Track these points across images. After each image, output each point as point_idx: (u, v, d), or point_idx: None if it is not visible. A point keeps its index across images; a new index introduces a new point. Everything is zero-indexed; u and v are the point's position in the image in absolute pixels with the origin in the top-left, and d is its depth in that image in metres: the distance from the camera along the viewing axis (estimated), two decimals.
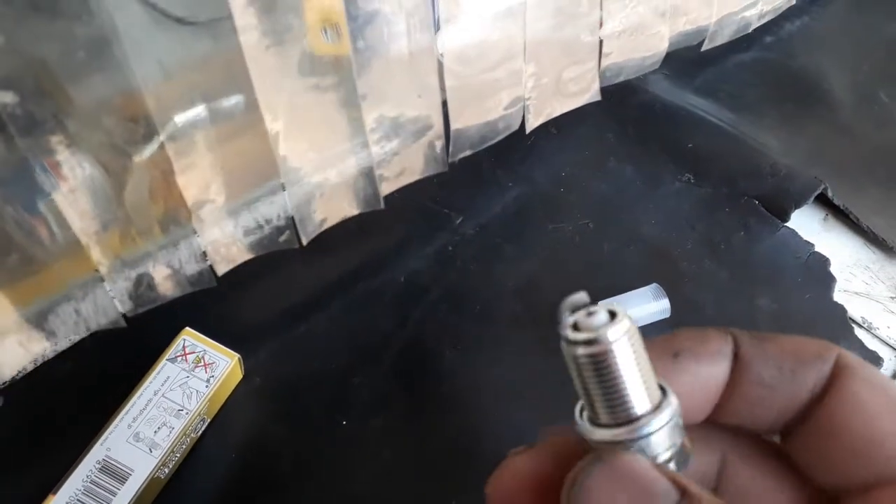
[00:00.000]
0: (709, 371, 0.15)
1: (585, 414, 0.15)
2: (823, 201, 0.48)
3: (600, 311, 0.14)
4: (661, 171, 0.47)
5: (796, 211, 0.46)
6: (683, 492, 0.13)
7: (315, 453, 0.36)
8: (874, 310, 0.43)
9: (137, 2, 0.33)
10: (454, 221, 0.46)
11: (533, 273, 0.44)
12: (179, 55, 0.35)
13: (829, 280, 0.43)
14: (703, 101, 0.53)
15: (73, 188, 0.35)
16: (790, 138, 0.52)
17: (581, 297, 0.14)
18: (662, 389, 0.14)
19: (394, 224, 0.46)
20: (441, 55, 0.34)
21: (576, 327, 0.14)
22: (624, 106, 0.49)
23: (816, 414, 0.15)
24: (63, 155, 0.33)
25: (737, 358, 0.15)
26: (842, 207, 0.46)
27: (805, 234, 0.46)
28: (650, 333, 0.37)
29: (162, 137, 0.35)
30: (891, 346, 0.42)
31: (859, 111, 0.55)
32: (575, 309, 0.14)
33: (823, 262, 0.44)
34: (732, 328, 0.16)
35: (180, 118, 0.36)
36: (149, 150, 0.36)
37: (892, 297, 0.44)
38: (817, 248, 0.45)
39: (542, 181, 0.48)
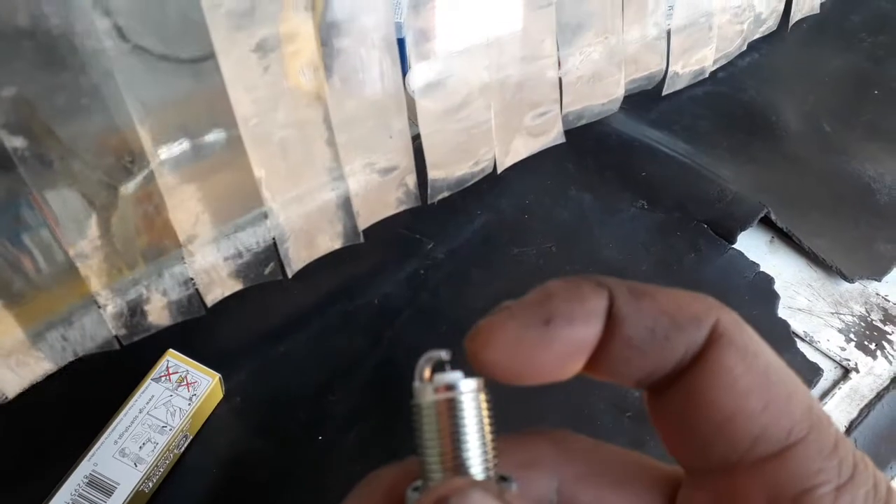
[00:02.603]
0: (582, 333, 0.14)
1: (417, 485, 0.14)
2: (770, 224, 0.51)
3: (457, 372, 0.14)
4: (618, 198, 0.51)
5: (744, 233, 0.50)
6: None
7: (293, 467, 0.38)
8: (815, 325, 0.46)
9: (124, 42, 0.36)
10: (426, 247, 0.49)
11: (499, 294, 0.46)
12: (164, 92, 0.38)
13: (774, 297, 0.46)
14: (658, 133, 0.56)
15: (60, 222, 0.37)
16: (740, 166, 0.56)
17: (440, 353, 0.15)
18: (504, 479, 0.14)
19: (369, 250, 0.49)
20: (412, 92, 0.37)
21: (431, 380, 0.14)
22: (583, 138, 0.53)
23: (683, 381, 0.14)
24: (56, 189, 0.36)
25: (610, 315, 0.14)
26: (785, 230, 0.50)
27: (752, 255, 0.49)
28: None
29: (146, 172, 0.38)
30: (830, 358, 0.45)
31: (804, 140, 0.59)
32: (433, 363, 0.14)
33: (768, 280, 0.47)
34: (608, 278, 0.15)
35: (164, 153, 0.39)
36: (134, 184, 0.38)
37: (833, 313, 0.47)
38: (763, 268, 0.48)
39: (508, 209, 0.51)
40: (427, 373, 0.14)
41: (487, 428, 0.14)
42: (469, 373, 0.15)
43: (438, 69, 0.38)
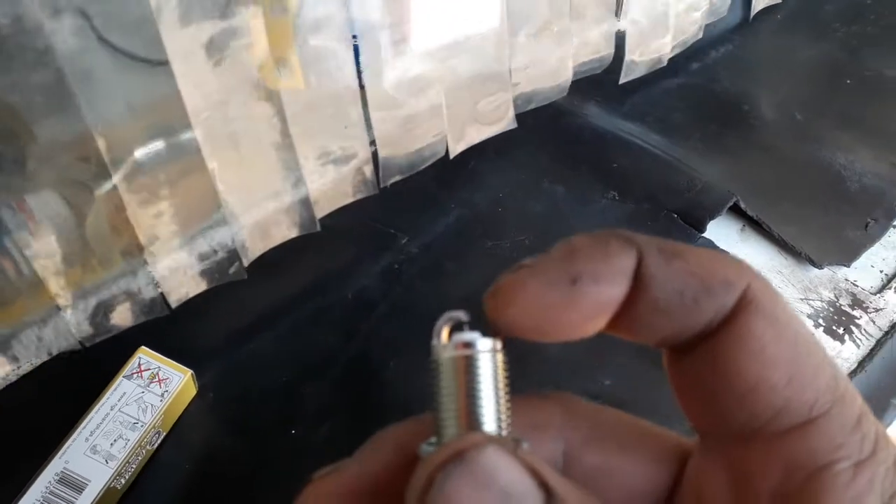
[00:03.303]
0: (608, 293, 0.13)
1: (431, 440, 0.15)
2: (741, 213, 0.52)
3: (475, 332, 0.14)
4: (590, 189, 0.51)
5: (716, 222, 0.50)
6: (548, 492, 0.12)
7: (266, 461, 0.39)
8: None
9: (99, 43, 0.36)
10: (400, 241, 0.50)
11: (473, 287, 0.47)
12: (137, 95, 0.38)
13: None
14: (631, 125, 0.57)
15: (38, 223, 0.37)
16: (713, 156, 0.56)
17: (459, 314, 0.15)
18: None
19: (343, 245, 0.49)
20: (364, 88, 0.38)
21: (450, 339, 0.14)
22: (556, 131, 0.53)
23: (708, 345, 0.14)
24: (30, 192, 0.36)
25: (637, 275, 0.13)
26: (755, 218, 0.50)
27: (723, 244, 0.50)
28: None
29: (122, 172, 0.38)
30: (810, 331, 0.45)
31: (776, 130, 0.60)
32: (452, 323, 0.15)
33: None
34: (638, 235, 0.14)
35: (139, 154, 0.39)
36: (108, 185, 0.38)
37: (802, 299, 0.48)
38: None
39: (482, 202, 0.52)
40: (446, 332, 0.14)
41: (503, 388, 0.14)
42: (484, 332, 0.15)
43: (393, 66, 0.39)
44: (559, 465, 0.15)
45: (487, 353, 0.14)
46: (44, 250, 0.35)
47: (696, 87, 0.63)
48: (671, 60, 0.61)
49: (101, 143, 0.36)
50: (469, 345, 0.14)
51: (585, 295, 0.13)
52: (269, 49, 0.41)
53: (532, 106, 0.47)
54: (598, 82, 0.57)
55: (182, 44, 0.32)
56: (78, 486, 0.34)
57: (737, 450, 0.14)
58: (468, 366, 0.14)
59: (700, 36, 0.60)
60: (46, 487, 0.34)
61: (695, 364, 0.14)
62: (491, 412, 0.14)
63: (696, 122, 0.59)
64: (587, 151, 0.54)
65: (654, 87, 0.61)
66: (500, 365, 0.14)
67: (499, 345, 0.14)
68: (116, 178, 0.35)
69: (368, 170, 0.41)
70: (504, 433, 0.14)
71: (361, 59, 0.39)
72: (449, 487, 0.12)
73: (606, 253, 0.14)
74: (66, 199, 0.38)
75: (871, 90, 0.64)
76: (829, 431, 0.13)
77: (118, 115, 0.34)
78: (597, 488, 0.15)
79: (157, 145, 0.35)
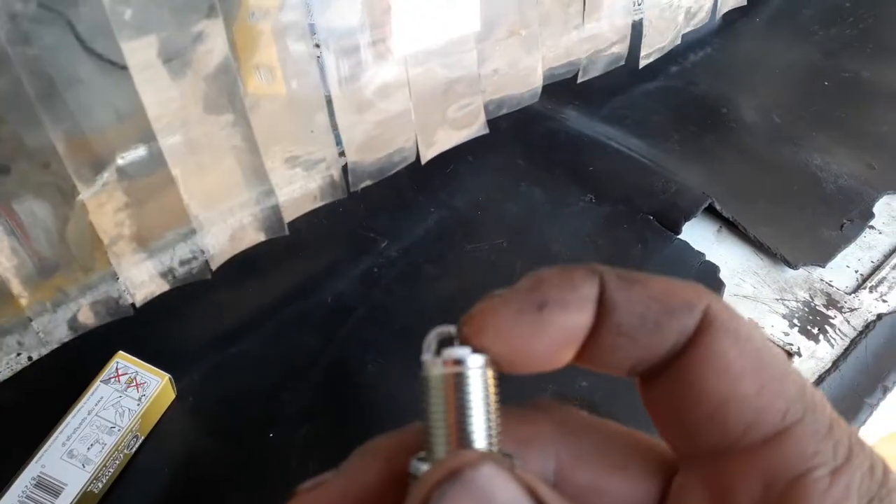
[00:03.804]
0: (574, 320, 0.14)
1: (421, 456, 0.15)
2: (718, 215, 0.52)
3: (465, 347, 0.14)
4: (566, 192, 0.52)
5: (693, 224, 0.51)
6: None
7: (245, 464, 0.39)
8: (761, 311, 0.47)
9: (82, 50, 0.37)
10: (380, 245, 0.50)
11: (452, 290, 0.48)
12: (121, 100, 0.38)
13: (719, 285, 0.47)
14: (609, 128, 0.58)
15: (22, 228, 0.38)
16: (691, 158, 0.57)
17: (449, 328, 0.15)
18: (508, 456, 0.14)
19: (323, 249, 0.50)
20: (330, 93, 0.38)
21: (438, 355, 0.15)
22: (533, 134, 0.54)
23: (675, 368, 0.14)
24: (16, 198, 0.36)
25: (601, 301, 0.14)
26: (731, 219, 0.51)
27: (700, 245, 0.50)
28: None
29: (104, 178, 0.38)
30: (774, 343, 0.46)
31: (754, 132, 0.60)
32: (441, 338, 0.15)
33: (713, 269, 0.48)
34: (600, 266, 0.14)
35: (120, 160, 0.39)
36: (89, 192, 0.39)
37: (777, 299, 0.48)
38: (709, 258, 0.49)
39: (461, 205, 0.52)
40: (434, 347, 0.15)
41: (494, 404, 0.14)
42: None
43: (361, 70, 0.39)
44: (550, 482, 0.15)
45: (478, 370, 0.14)
46: (16, 258, 0.35)
47: (676, 90, 0.64)
48: (650, 63, 0.62)
49: (91, 147, 0.36)
50: (459, 361, 0.14)
51: (553, 321, 0.14)
52: (250, 54, 0.42)
53: (504, 111, 0.47)
54: (577, 86, 0.58)
55: (142, 52, 0.33)
56: (54, 490, 0.34)
57: (714, 466, 0.14)
58: (458, 382, 0.14)
59: (678, 42, 0.61)
60: (23, 492, 0.34)
61: (664, 388, 0.14)
62: (481, 428, 0.14)
63: (675, 124, 0.60)
64: (565, 155, 0.54)
65: (634, 90, 0.62)
66: (491, 381, 0.14)
67: (489, 360, 0.14)
68: (84, 185, 0.35)
69: (337, 173, 0.41)
70: (494, 449, 0.14)
71: (328, 63, 0.39)
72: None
73: (571, 281, 0.14)
74: (52, 203, 0.38)
75: (848, 92, 0.65)
76: (803, 439, 0.13)
77: (93, 122, 0.34)
78: None
79: (122, 151, 0.35)
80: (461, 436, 0.14)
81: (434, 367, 0.14)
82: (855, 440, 0.13)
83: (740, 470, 0.14)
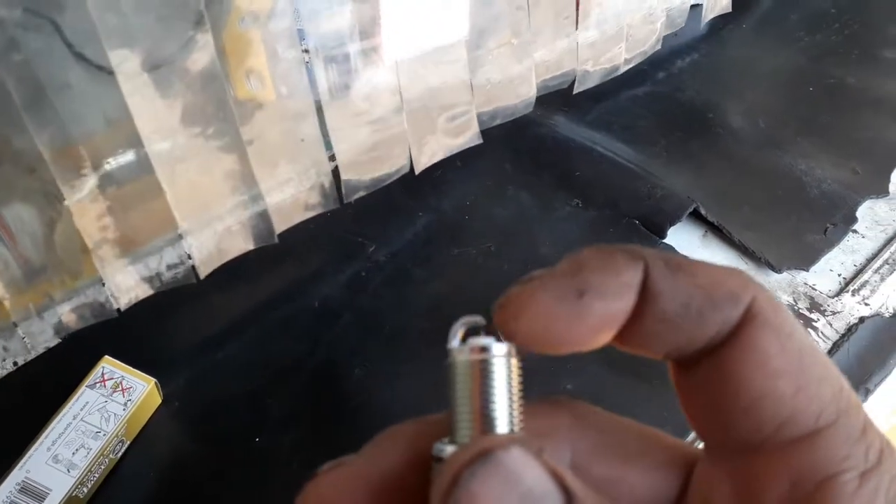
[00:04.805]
0: (615, 307, 0.14)
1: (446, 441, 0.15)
2: (703, 219, 0.53)
3: (490, 337, 0.15)
4: (553, 197, 0.52)
5: (678, 229, 0.51)
6: (568, 494, 0.12)
7: (231, 469, 0.39)
8: None
9: (71, 55, 0.37)
10: (367, 249, 0.50)
11: (440, 294, 0.48)
12: (108, 106, 0.38)
13: None
14: (596, 134, 0.58)
15: (9, 232, 0.38)
16: (677, 163, 0.57)
17: (476, 318, 0.15)
18: None
19: (310, 253, 0.50)
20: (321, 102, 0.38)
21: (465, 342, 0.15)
22: (520, 139, 0.54)
23: (714, 358, 0.14)
24: (3, 203, 0.36)
25: (644, 288, 0.14)
26: (716, 224, 0.51)
27: (685, 250, 0.51)
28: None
29: (92, 182, 0.38)
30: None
31: (740, 137, 0.61)
32: (468, 326, 0.15)
33: None
34: (644, 249, 0.14)
35: (106, 165, 0.39)
36: (75, 197, 0.39)
37: None
38: None
39: (449, 209, 0.52)
40: (461, 335, 0.15)
41: (517, 392, 0.14)
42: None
43: (352, 85, 0.39)
44: None
45: (502, 358, 0.14)
46: (2, 262, 0.35)
47: (662, 95, 0.64)
48: (638, 69, 0.63)
49: (78, 152, 0.36)
50: (485, 349, 0.14)
51: (592, 309, 0.14)
52: (240, 60, 0.42)
53: (497, 122, 0.48)
54: (565, 92, 0.58)
55: (129, 60, 0.33)
56: (39, 496, 0.34)
57: (743, 460, 0.14)
58: (483, 370, 0.14)
59: (658, 47, 0.61)
60: (7, 497, 0.34)
61: (700, 376, 0.14)
62: (505, 415, 0.14)
63: (662, 130, 0.60)
64: (552, 160, 0.55)
65: (621, 95, 0.62)
66: (515, 369, 0.15)
67: (513, 349, 0.14)
68: (69, 190, 0.35)
69: (328, 182, 0.41)
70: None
71: (317, 70, 0.39)
72: (475, 486, 0.12)
73: (613, 267, 0.14)
74: (40, 209, 0.38)
75: (833, 98, 0.66)
76: (835, 442, 0.13)
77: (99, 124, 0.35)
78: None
79: (109, 157, 0.36)
80: (485, 422, 0.14)
81: (460, 354, 0.14)
82: (886, 444, 0.13)
83: (769, 467, 0.13)
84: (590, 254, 0.14)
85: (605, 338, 0.14)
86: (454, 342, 0.15)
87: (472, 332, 0.15)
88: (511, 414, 0.14)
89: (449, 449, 0.14)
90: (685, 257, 0.14)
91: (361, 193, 0.44)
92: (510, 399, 0.14)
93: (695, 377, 0.14)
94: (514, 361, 0.15)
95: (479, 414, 0.14)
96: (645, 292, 0.14)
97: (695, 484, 0.15)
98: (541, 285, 0.14)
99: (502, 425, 0.14)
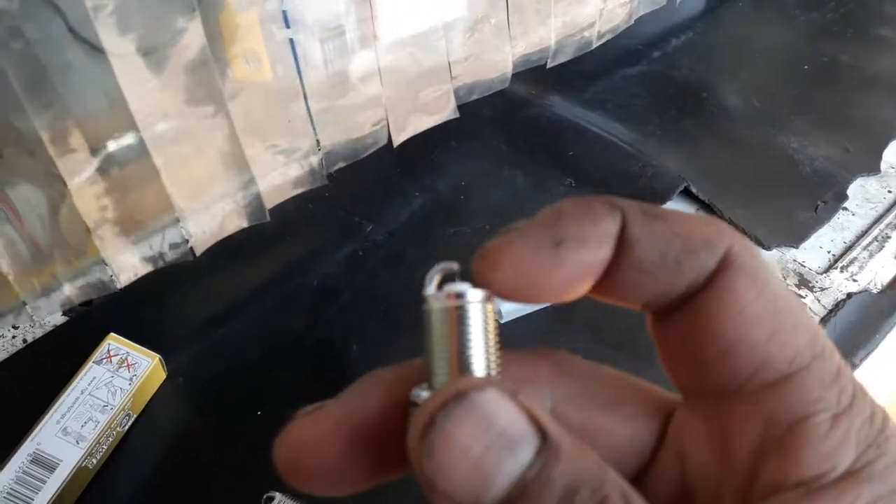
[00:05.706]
0: (593, 256, 0.14)
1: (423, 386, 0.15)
2: (696, 197, 0.53)
3: (466, 283, 0.15)
4: (547, 177, 0.53)
5: (669, 206, 0.52)
6: (544, 435, 0.12)
7: (234, 441, 0.40)
8: None
9: (74, 39, 0.37)
10: (365, 229, 0.51)
11: None
12: (105, 90, 0.39)
13: None
14: (590, 113, 0.59)
15: (17, 214, 0.39)
16: (670, 142, 0.58)
17: (451, 264, 0.15)
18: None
19: (309, 233, 0.51)
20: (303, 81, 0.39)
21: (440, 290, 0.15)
22: (515, 120, 0.55)
23: (691, 305, 0.14)
24: (9, 185, 0.37)
25: (621, 237, 0.14)
26: (707, 202, 0.52)
27: None
28: (529, 324, 0.42)
29: (96, 163, 0.39)
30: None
31: (733, 116, 0.62)
32: (444, 273, 0.15)
33: None
34: (621, 199, 0.14)
35: (105, 148, 0.40)
36: (76, 179, 0.40)
37: None
38: None
39: (445, 190, 0.53)
40: (437, 282, 0.15)
41: (493, 338, 0.14)
42: None
43: (330, 60, 0.40)
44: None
45: (478, 304, 0.14)
46: (11, 243, 0.37)
47: (657, 74, 0.65)
48: (633, 48, 0.63)
49: (82, 134, 0.37)
50: (460, 295, 0.14)
51: (569, 257, 0.14)
52: (236, 42, 0.43)
53: (475, 96, 0.49)
54: (560, 71, 0.59)
55: (123, 45, 0.33)
56: (50, 466, 0.36)
57: (718, 406, 0.14)
58: (459, 315, 0.14)
59: (631, 23, 0.61)
60: (20, 467, 0.35)
61: (678, 324, 0.14)
62: (481, 360, 0.14)
63: (656, 109, 0.61)
64: (546, 140, 0.56)
65: (616, 75, 0.63)
66: (490, 315, 0.15)
67: (489, 295, 0.14)
68: (70, 172, 0.36)
69: (316, 161, 0.42)
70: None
71: (307, 50, 0.40)
72: (450, 426, 0.12)
73: (591, 216, 0.14)
74: (44, 191, 0.39)
75: (826, 76, 0.66)
76: (808, 385, 0.13)
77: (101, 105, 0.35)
78: None
79: (107, 140, 0.37)
80: (462, 367, 0.14)
81: (436, 301, 0.14)
82: (858, 388, 0.14)
83: (744, 411, 0.14)
84: (568, 204, 0.14)
85: (583, 288, 0.14)
86: (430, 289, 0.15)
87: (448, 279, 0.15)
88: (488, 359, 0.14)
89: (425, 394, 0.14)
90: (662, 208, 0.14)
91: (341, 164, 0.45)
92: (486, 344, 0.14)
93: (672, 326, 0.15)
94: (490, 307, 0.15)
95: (456, 359, 0.14)
96: (622, 241, 0.14)
97: (671, 431, 0.15)
98: (518, 235, 0.14)
99: (479, 370, 0.14)
